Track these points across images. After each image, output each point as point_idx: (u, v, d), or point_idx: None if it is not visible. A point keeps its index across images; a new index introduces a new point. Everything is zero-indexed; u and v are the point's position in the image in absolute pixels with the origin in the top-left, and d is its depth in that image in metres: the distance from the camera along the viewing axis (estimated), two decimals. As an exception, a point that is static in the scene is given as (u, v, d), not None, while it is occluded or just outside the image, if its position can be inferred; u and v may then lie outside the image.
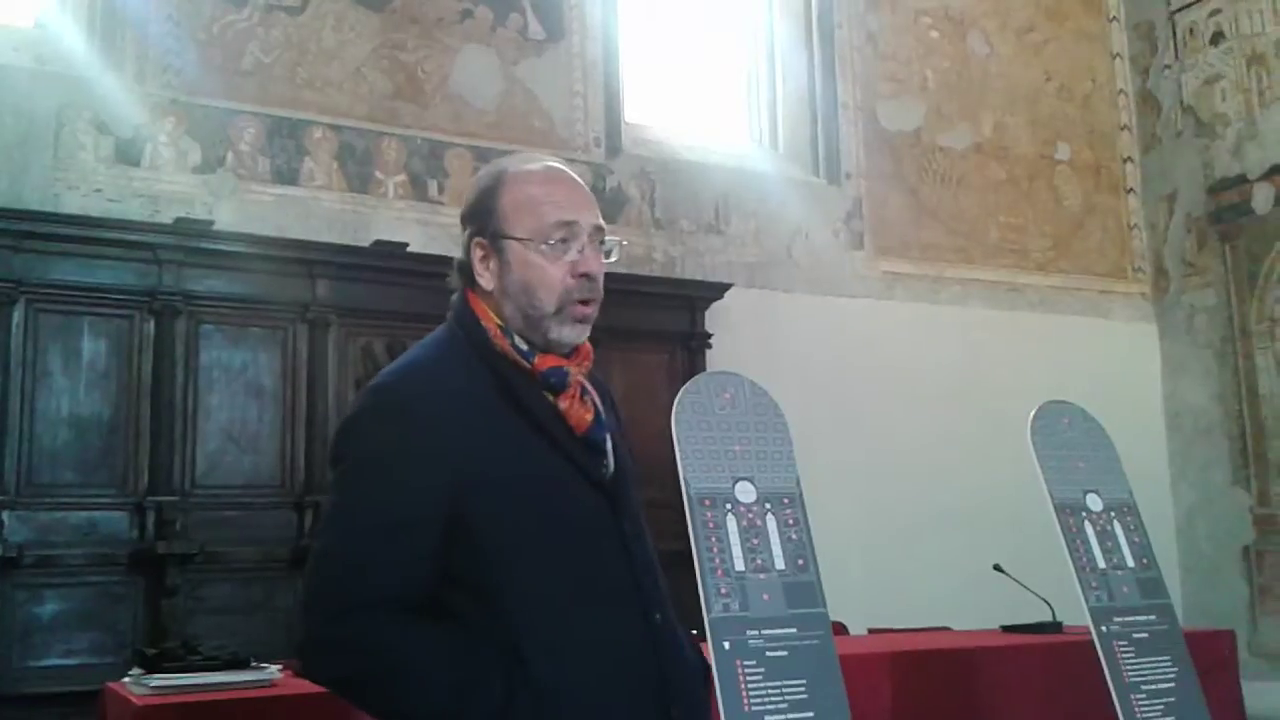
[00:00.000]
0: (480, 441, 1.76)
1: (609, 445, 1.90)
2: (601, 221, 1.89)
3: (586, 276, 1.84)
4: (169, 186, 5.43)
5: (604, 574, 1.82)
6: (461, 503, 1.73)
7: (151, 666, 2.95)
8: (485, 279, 1.85)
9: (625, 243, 1.92)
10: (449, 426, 1.75)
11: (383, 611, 1.70)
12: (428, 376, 1.81)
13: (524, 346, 1.84)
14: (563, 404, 1.84)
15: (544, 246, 1.82)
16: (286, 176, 5.69)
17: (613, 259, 1.92)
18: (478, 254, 1.86)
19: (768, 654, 2.55)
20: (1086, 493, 3.46)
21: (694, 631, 2.09)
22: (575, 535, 1.81)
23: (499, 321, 1.85)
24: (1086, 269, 8.05)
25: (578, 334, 1.87)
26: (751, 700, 2.50)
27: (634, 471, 1.97)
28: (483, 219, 1.85)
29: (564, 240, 1.83)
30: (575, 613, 1.77)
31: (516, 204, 1.83)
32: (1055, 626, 4.48)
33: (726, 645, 2.53)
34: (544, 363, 1.84)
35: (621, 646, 1.79)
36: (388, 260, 5.58)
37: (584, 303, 1.85)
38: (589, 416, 1.86)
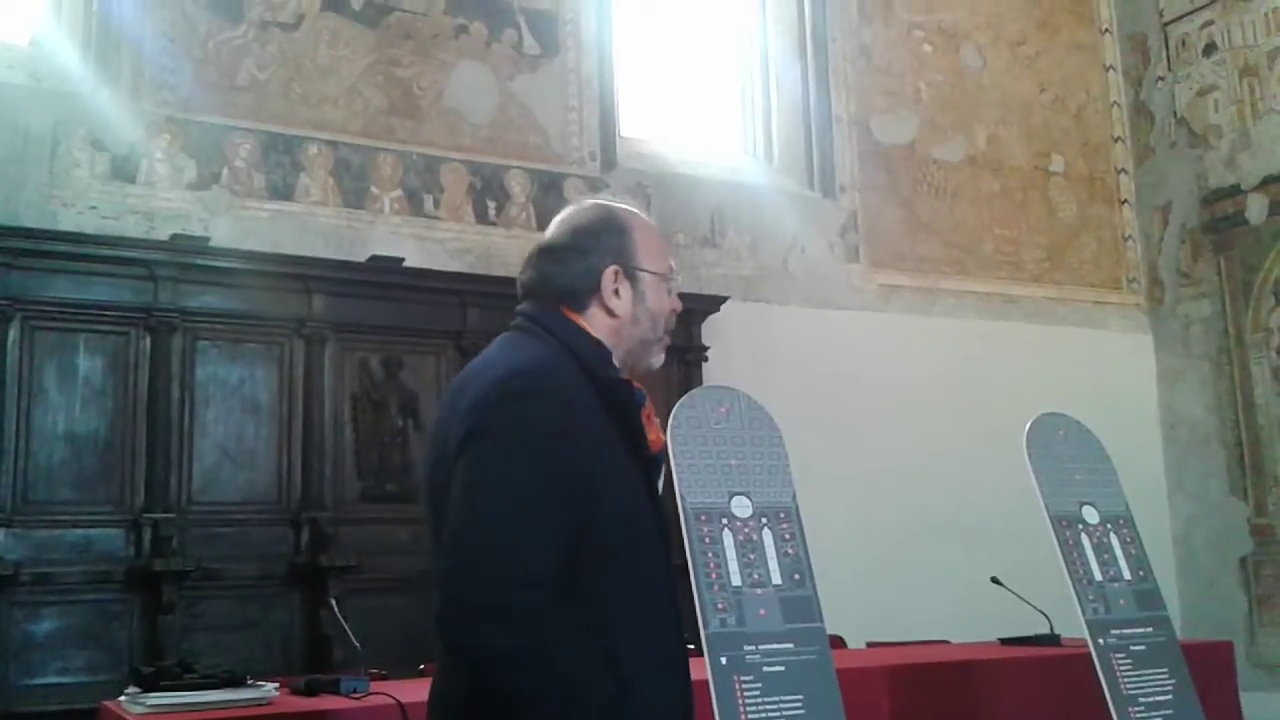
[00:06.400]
0: (601, 441, 1.85)
1: (662, 467, 2.02)
2: None
3: (675, 313, 2.09)
4: (164, 203, 5.43)
5: (660, 589, 1.90)
6: (587, 496, 1.79)
7: (148, 685, 2.96)
8: (617, 304, 1.99)
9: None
10: (584, 419, 1.83)
11: (538, 586, 1.70)
12: (559, 372, 1.87)
13: (616, 364, 1.97)
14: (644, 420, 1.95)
15: (667, 283, 2.06)
16: (282, 192, 5.70)
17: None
18: (609, 279, 1.98)
19: (765, 669, 2.55)
20: (1083, 505, 3.46)
21: (690, 647, 2.11)
22: (649, 548, 1.89)
23: (598, 337, 1.97)
24: (1081, 280, 8.06)
25: (662, 359, 2.10)
26: (749, 716, 2.50)
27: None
28: (618, 251, 2.02)
29: (672, 280, 2.08)
30: (651, 623, 1.86)
31: (647, 242, 2.06)
32: (1053, 639, 4.48)
33: (724, 660, 2.53)
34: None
35: (676, 662, 1.90)
36: (383, 275, 5.57)
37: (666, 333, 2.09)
38: (663, 437, 1.99)
